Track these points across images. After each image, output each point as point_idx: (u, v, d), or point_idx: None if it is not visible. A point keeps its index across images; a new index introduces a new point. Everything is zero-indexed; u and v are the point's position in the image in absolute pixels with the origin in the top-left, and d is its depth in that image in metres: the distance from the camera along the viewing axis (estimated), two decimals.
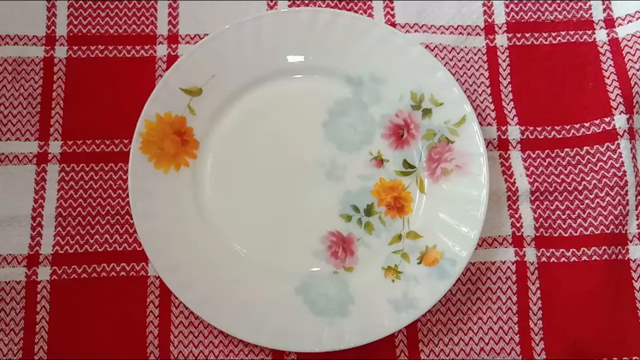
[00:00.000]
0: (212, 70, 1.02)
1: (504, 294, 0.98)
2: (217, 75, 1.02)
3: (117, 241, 0.98)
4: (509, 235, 1.01)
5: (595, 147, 1.04)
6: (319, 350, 0.91)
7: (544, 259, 1.00)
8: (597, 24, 1.10)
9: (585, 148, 1.04)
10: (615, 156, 1.03)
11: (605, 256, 0.99)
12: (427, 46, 1.07)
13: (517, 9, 1.10)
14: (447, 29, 1.09)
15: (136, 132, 0.98)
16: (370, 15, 1.08)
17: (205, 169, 1.01)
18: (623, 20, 1.11)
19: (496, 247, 1.00)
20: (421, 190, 1.01)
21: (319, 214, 1.00)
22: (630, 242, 1.01)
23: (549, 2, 1.10)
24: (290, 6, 1.08)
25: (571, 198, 1.02)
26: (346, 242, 1.00)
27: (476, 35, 1.08)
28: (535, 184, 1.03)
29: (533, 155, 1.04)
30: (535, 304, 0.98)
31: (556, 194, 1.02)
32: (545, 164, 1.04)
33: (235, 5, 1.08)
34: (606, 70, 1.08)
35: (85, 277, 0.97)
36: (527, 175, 1.03)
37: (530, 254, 1.00)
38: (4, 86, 1.04)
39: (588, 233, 1.00)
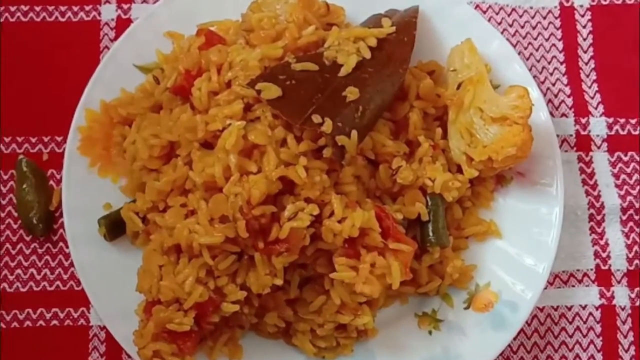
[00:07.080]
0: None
1: (585, 351, 0.90)
2: None
3: (46, 278, 0.87)
4: (592, 270, 0.92)
5: None
6: None
7: (639, 301, 0.92)
8: None
9: None
10: None
11: None
12: (477, 6, 0.99)
13: None
14: None
15: (73, 126, 0.88)
16: None
17: None
18: None
19: (574, 286, 0.92)
20: None
21: None
22: None
23: None
24: None
25: None
26: None
27: None
28: (628, 197, 0.94)
29: (625, 158, 0.95)
30: None
31: None
32: None
33: None
34: None
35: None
36: (616, 186, 0.94)
37: (622, 295, 0.91)
38: None
39: None
